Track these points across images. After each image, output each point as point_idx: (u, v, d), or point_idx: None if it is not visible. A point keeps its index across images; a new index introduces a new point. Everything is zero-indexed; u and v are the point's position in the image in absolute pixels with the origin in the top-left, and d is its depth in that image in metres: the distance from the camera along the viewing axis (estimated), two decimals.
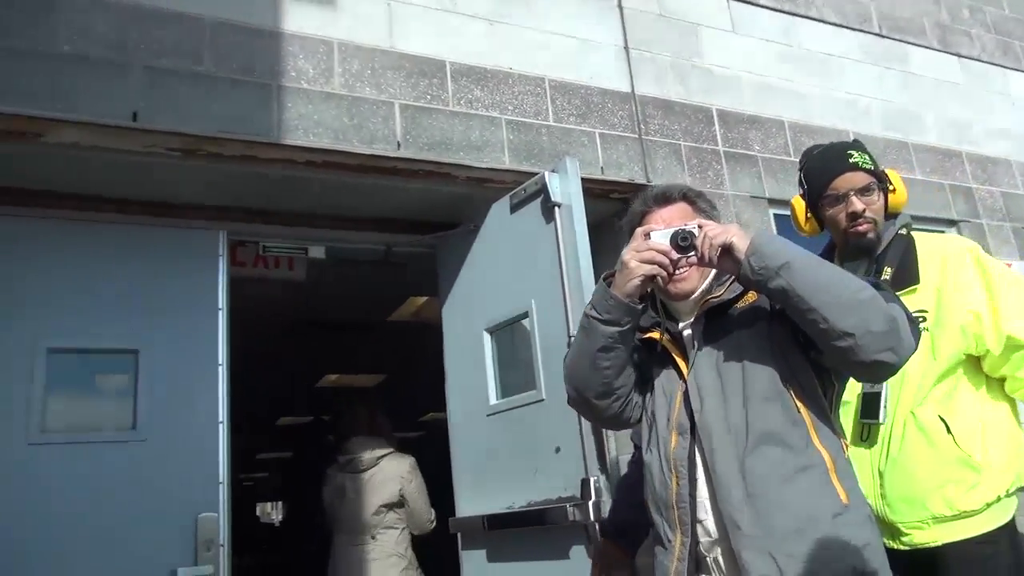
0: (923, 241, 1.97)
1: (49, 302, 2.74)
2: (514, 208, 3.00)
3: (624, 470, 2.43)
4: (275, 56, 2.77)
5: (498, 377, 3.07)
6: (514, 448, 2.86)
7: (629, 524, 2.26)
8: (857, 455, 1.83)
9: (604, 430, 2.55)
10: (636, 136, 3.46)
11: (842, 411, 1.84)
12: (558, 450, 2.67)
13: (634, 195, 3.39)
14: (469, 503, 3.04)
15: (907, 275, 1.90)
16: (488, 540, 2.90)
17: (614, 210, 3.51)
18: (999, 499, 1.77)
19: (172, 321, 2.90)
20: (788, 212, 3.72)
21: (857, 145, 2.05)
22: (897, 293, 1.73)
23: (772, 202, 3.71)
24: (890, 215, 2.00)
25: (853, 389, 1.85)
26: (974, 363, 1.86)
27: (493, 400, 3.03)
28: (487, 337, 3.09)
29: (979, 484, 1.75)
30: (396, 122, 2.91)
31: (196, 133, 2.58)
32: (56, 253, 2.79)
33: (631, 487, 2.26)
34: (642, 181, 3.39)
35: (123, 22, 2.57)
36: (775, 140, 3.86)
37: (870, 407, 1.84)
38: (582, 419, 2.56)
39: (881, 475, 1.83)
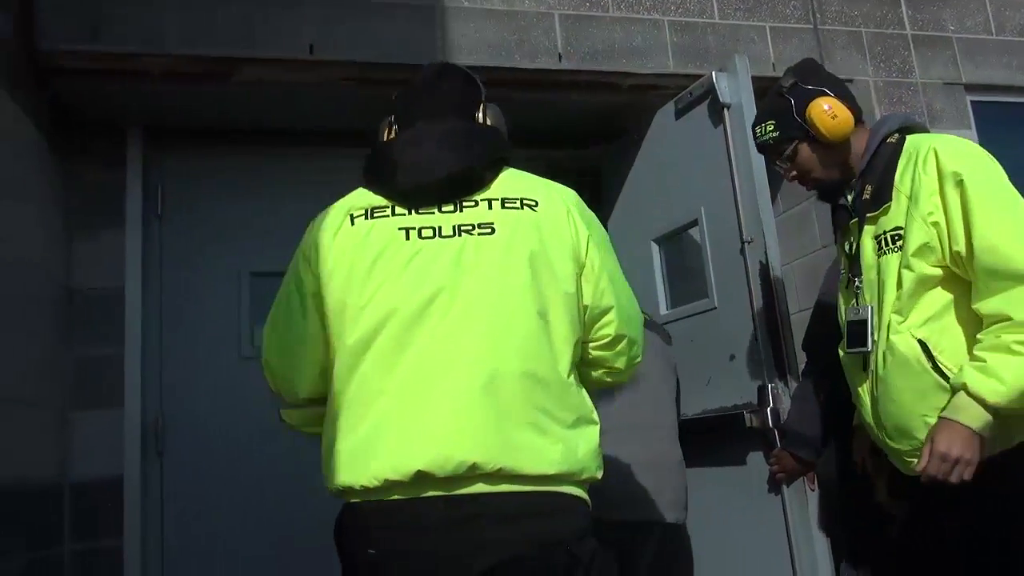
0: (910, 145, 1.74)
1: (250, 231, 3.01)
2: (679, 113, 2.90)
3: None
4: None
5: (667, 287, 3.06)
6: (686, 358, 2.84)
7: (810, 434, 2.22)
8: (860, 384, 1.76)
9: (783, 336, 2.48)
10: (811, 27, 3.21)
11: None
12: (732, 358, 2.63)
13: None
14: None
15: (883, 192, 1.72)
16: None
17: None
18: None
19: None
20: (989, 98, 3.41)
21: (761, 116, 1.93)
22: (873, 214, 1.73)
23: (970, 88, 3.35)
24: (839, 141, 1.80)
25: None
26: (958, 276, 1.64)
27: (663, 310, 3.02)
28: (655, 247, 3.07)
29: None
30: (556, 34, 2.88)
31: (366, 60, 2.68)
32: (253, 186, 3.04)
33: (811, 396, 2.20)
34: None
35: None
36: (973, 17, 3.45)
37: (858, 336, 1.72)
38: (758, 326, 2.51)
39: (875, 403, 1.70)
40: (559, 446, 1.28)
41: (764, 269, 2.53)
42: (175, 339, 2.89)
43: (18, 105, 2.30)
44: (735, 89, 2.63)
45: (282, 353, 1.44)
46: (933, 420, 1.58)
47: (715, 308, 2.73)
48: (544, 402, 1.30)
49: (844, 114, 1.78)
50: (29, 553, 2.26)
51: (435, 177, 1.36)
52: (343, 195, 3.18)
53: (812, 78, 1.87)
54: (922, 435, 1.59)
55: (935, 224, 1.61)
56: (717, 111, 2.68)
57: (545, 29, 2.87)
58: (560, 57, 2.86)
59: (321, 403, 1.41)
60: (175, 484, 2.79)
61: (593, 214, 1.52)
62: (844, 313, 1.81)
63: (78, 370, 2.70)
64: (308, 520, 2.80)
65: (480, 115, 1.52)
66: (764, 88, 3.02)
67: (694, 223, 2.83)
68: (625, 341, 1.47)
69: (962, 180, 1.58)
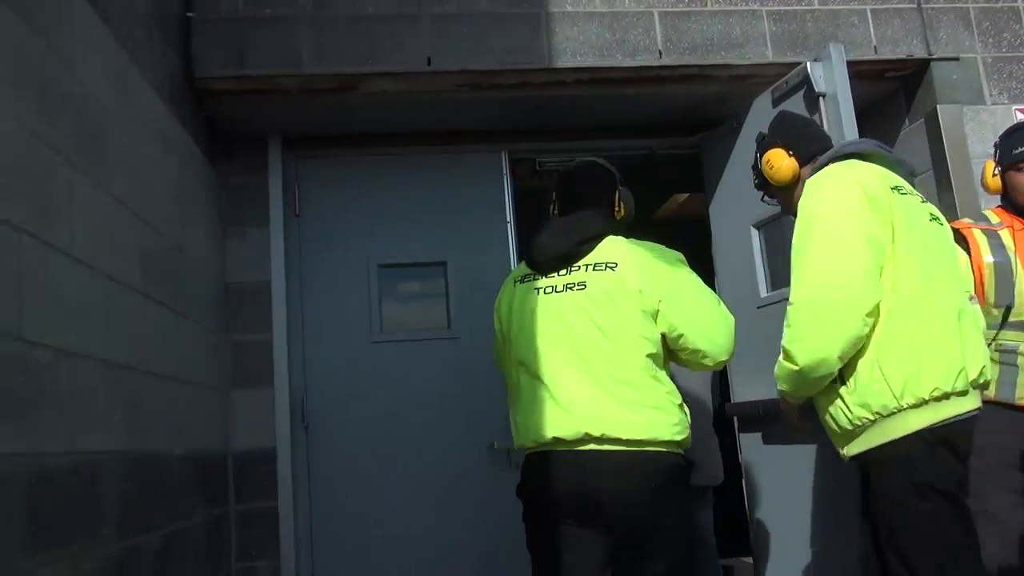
0: None
1: (376, 226, 3.31)
2: (776, 102, 2.98)
3: None
4: None
5: (767, 270, 3.16)
6: None
7: None
8: None
9: None
10: (914, 6, 3.21)
11: None
12: None
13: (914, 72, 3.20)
14: (744, 390, 3.22)
15: None
16: (763, 424, 3.07)
17: (890, 90, 3.34)
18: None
19: (470, 235, 3.35)
20: None
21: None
22: None
23: None
24: (784, 184, 2.13)
25: None
26: None
27: (763, 293, 3.13)
28: (755, 232, 3.17)
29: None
30: (656, 31, 3.01)
31: (479, 68, 2.91)
32: (379, 185, 3.34)
33: None
34: (922, 55, 3.16)
35: None
36: None
37: None
38: None
39: None
40: (642, 420, 1.95)
41: None
42: (315, 325, 3.23)
43: (184, 126, 2.66)
44: (830, 78, 2.70)
45: (498, 361, 2.34)
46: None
47: None
48: (627, 392, 1.98)
49: (782, 163, 2.09)
50: (206, 512, 2.65)
51: (550, 256, 2.12)
52: (454, 192, 3.51)
53: (772, 131, 2.17)
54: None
55: None
56: (813, 100, 2.75)
57: (645, 27, 3.01)
58: (660, 53, 3.00)
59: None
60: (319, 452, 3.15)
61: (670, 255, 2.13)
62: None
63: (234, 354, 3.09)
64: (433, 479, 3.13)
65: (616, 199, 2.23)
66: (864, 72, 3.09)
67: None
68: (702, 351, 2.05)
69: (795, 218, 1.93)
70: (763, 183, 2.21)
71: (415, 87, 2.96)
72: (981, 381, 1.81)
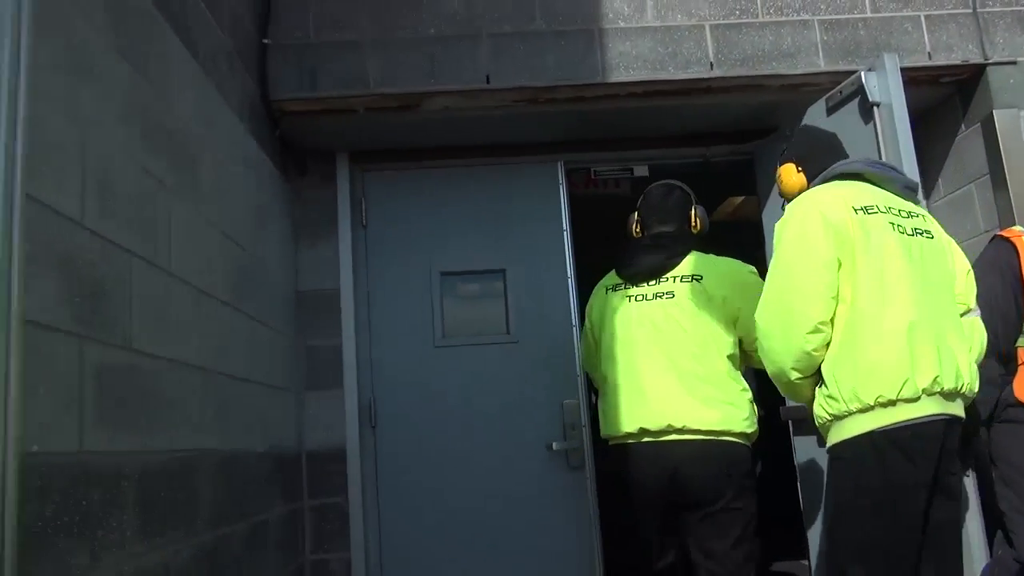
0: None
1: (438, 235, 3.46)
2: (830, 111, 3.03)
3: None
4: (594, 2, 3.09)
5: None
6: None
7: None
8: None
9: None
10: (970, 10, 3.21)
11: None
12: None
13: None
14: None
15: None
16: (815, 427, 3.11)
17: (946, 95, 3.34)
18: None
19: (528, 243, 3.48)
20: None
21: None
22: None
23: None
24: (790, 197, 2.19)
25: None
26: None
27: None
28: None
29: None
30: (708, 43, 3.09)
31: (535, 85, 3.03)
32: (440, 196, 3.49)
33: None
34: (978, 60, 3.16)
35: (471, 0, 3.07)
36: None
37: None
38: None
39: None
40: (718, 413, 2.32)
41: None
42: (381, 330, 3.40)
43: (262, 146, 2.85)
44: (884, 88, 2.74)
45: (586, 359, 2.77)
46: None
47: None
48: (707, 389, 2.35)
49: (791, 178, 2.22)
50: (283, 506, 2.84)
51: (641, 269, 2.54)
52: (511, 201, 3.65)
53: (791, 145, 2.26)
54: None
55: None
56: (867, 109, 2.79)
57: (697, 40, 3.09)
58: (712, 65, 3.08)
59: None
60: (386, 451, 3.31)
61: (747, 268, 2.52)
62: None
63: (307, 358, 3.27)
64: (493, 477, 3.26)
65: (692, 216, 2.63)
66: (918, 78, 3.12)
67: None
68: None
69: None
70: (780, 194, 2.35)
71: (475, 103, 3.10)
72: (937, 390, 1.85)
